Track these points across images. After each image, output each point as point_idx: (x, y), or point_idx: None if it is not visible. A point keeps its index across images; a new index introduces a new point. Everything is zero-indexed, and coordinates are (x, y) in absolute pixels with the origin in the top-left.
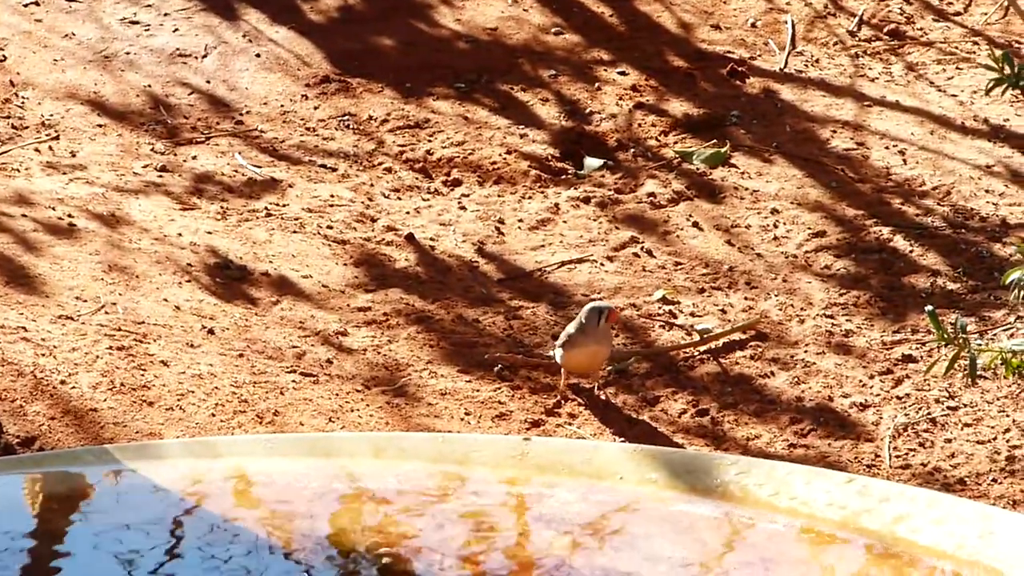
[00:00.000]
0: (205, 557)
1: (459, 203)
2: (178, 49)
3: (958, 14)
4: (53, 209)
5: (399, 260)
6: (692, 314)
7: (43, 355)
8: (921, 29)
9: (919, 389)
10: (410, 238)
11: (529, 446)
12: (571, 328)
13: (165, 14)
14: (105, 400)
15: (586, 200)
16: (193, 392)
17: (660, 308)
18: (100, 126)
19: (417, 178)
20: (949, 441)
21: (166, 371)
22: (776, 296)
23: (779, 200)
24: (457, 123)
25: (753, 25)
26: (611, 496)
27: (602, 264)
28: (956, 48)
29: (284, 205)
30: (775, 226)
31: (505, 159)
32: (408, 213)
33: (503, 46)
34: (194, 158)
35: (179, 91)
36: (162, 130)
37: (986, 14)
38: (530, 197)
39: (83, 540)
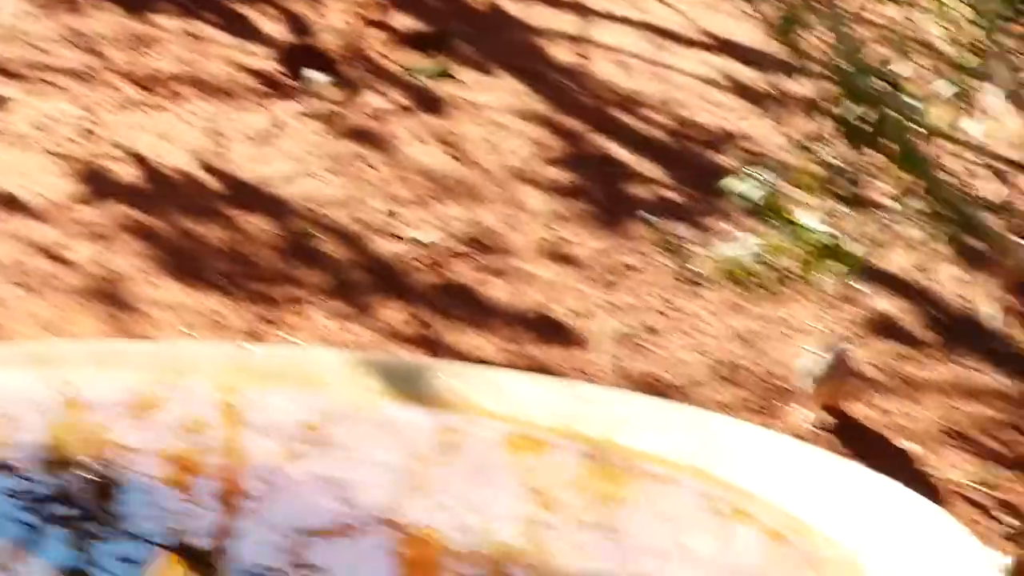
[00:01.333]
0: None
1: (182, 118)
2: None
3: None
4: None
5: (123, 175)
6: (415, 225)
7: None
8: None
9: (638, 298)
10: (134, 153)
11: (246, 353)
12: None
13: None
14: None
15: (310, 114)
16: None
17: (382, 221)
18: None
19: (140, 94)
20: (668, 348)
21: None
22: (497, 207)
23: (502, 113)
24: (182, 39)
25: None
26: (327, 403)
27: (324, 178)
28: None
29: (9, 121)
30: (497, 138)
31: (228, 73)
32: (131, 128)
33: None
34: None
35: None
36: None
37: None
38: (253, 111)
39: None
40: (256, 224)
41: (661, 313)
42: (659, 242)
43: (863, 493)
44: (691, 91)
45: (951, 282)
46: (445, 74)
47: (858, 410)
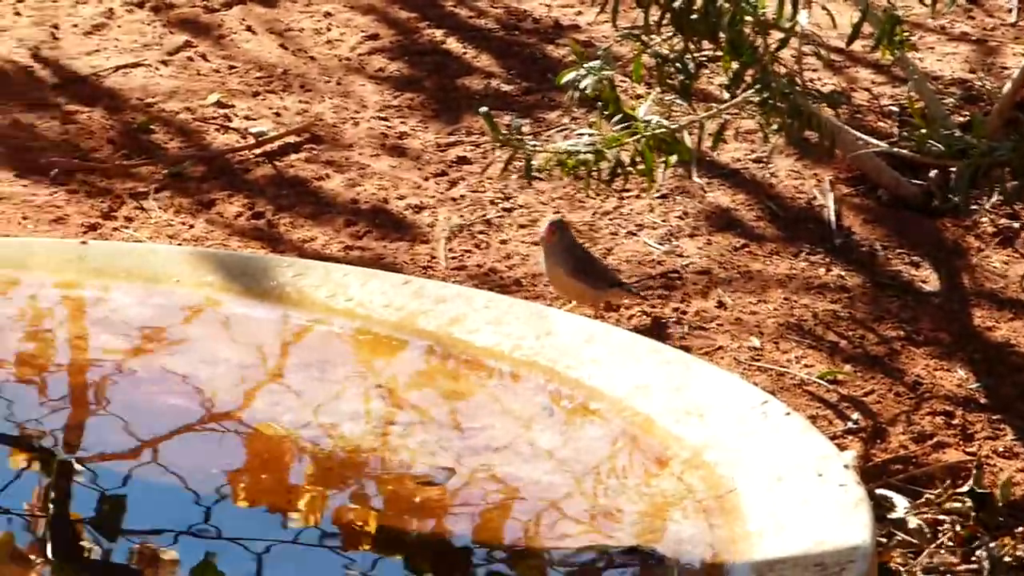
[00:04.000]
0: None
1: (14, 8)
2: None
3: None
4: None
5: None
6: (247, 117)
7: None
8: None
9: (474, 191)
10: None
11: (86, 249)
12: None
13: None
14: None
15: (140, 5)
16: None
17: (215, 112)
18: None
19: None
20: (505, 243)
21: None
22: (330, 99)
23: (332, 3)
24: None
25: None
26: (168, 299)
27: (157, 68)
28: None
29: None
30: (328, 29)
31: None
32: None
33: None
34: None
35: None
36: None
37: None
38: (85, 2)
39: None
40: (91, 116)
41: (497, 206)
42: (494, 135)
43: (708, 389)
44: None
45: (787, 174)
46: None
47: (698, 303)
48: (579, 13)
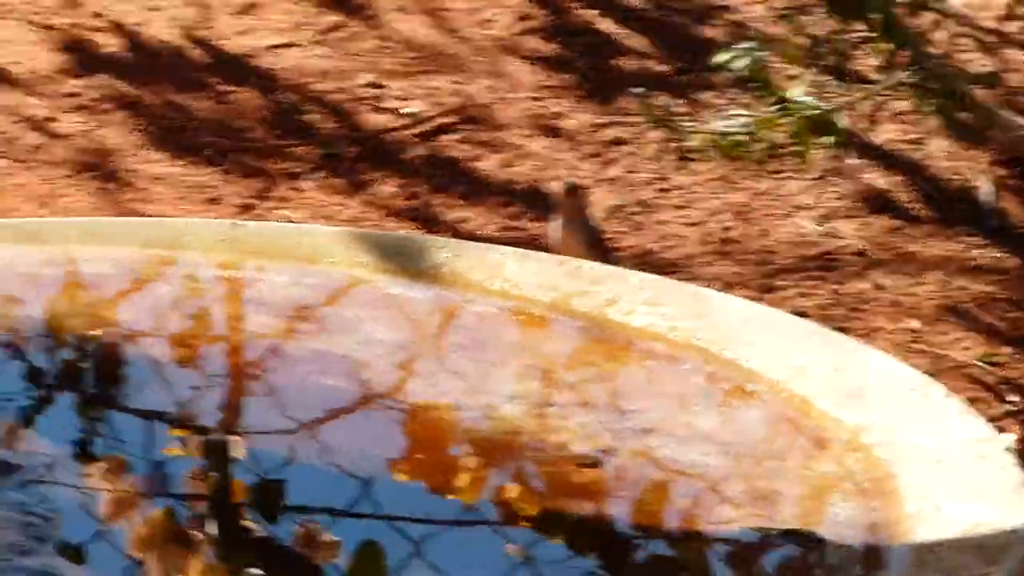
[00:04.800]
0: None
1: None
2: None
3: None
4: None
5: (107, 46)
6: (400, 98)
7: None
8: None
9: (629, 172)
10: (117, 25)
11: (241, 229)
12: None
13: None
14: None
15: None
16: None
17: (368, 92)
18: None
19: None
20: (661, 223)
21: None
22: (484, 79)
23: None
24: None
25: None
26: (323, 280)
27: (309, 48)
28: None
29: None
30: (481, 9)
31: None
32: None
33: None
34: None
35: None
36: None
37: None
38: None
39: None
40: (244, 96)
41: (652, 187)
42: (648, 116)
43: (866, 371)
44: None
45: (942, 156)
46: None
47: (854, 285)
48: None
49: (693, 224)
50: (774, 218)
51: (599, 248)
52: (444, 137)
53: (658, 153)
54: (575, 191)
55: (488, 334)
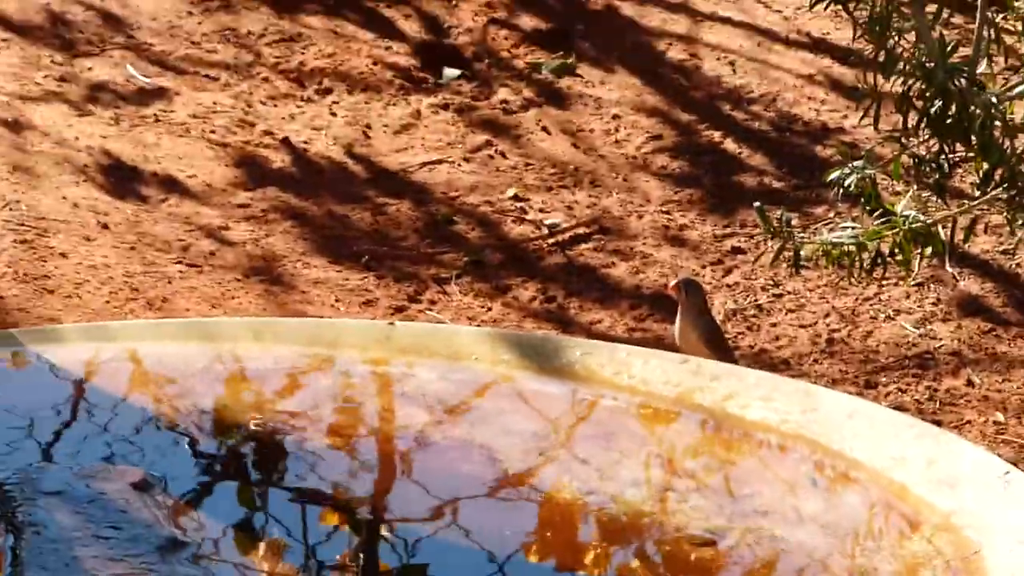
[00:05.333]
0: (100, 429)
1: (330, 109)
2: None
3: None
4: None
5: (276, 161)
6: (541, 210)
7: None
8: None
9: (747, 278)
10: (285, 141)
11: (393, 330)
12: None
13: None
14: (10, 289)
15: (445, 107)
16: (89, 281)
17: (512, 205)
18: (3, 40)
19: (291, 87)
20: (774, 325)
21: (65, 262)
22: (617, 194)
23: (620, 106)
24: (327, 37)
25: None
26: (467, 375)
27: (459, 165)
28: None
29: (171, 112)
30: (616, 130)
31: (371, 69)
32: (284, 119)
33: None
34: (90, 69)
35: (75, 8)
36: (60, 43)
37: None
38: (394, 104)
39: None
40: (398, 208)
41: (767, 292)
42: (765, 227)
43: (957, 460)
44: (792, 87)
45: None
46: (567, 70)
47: (948, 382)
48: (844, 117)
49: (804, 326)
50: (877, 321)
51: (717, 339)
52: (580, 246)
53: (773, 261)
54: (691, 285)
55: (616, 426)
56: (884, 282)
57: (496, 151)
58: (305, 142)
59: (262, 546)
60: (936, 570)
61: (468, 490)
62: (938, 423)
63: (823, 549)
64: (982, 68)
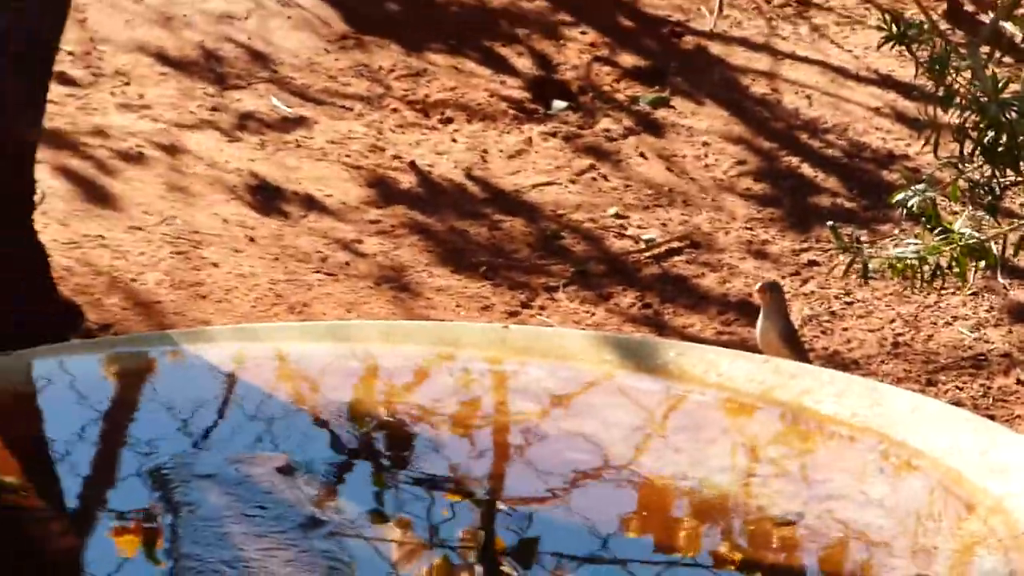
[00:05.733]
0: (248, 419)
1: (451, 137)
2: (225, 12)
3: None
4: (125, 141)
5: (403, 182)
6: (639, 226)
7: (117, 258)
8: None
9: (822, 288)
10: (412, 164)
11: (508, 332)
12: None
13: None
14: (167, 294)
15: (553, 134)
16: (238, 288)
17: (613, 222)
18: (163, 74)
19: (417, 117)
20: (846, 330)
21: (216, 271)
22: (706, 212)
23: (709, 135)
24: (450, 72)
25: None
26: (573, 374)
27: (566, 186)
28: (851, 13)
29: (311, 138)
30: (706, 156)
31: (489, 101)
32: (410, 145)
33: (486, 9)
34: (238, 100)
35: (226, 46)
36: (213, 77)
37: None
38: (508, 132)
39: (148, 407)
40: (512, 224)
41: (840, 300)
42: (838, 243)
43: (1008, 450)
44: (862, 119)
45: None
46: (662, 102)
47: (1000, 380)
48: (908, 145)
49: (872, 330)
50: (937, 326)
51: (793, 339)
52: (673, 258)
53: (845, 273)
54: (774, 287)
55: (705, 418)
56: (943, 291)
57: (599, 174)
58: (429, 165)
59: (392, 523)
60: (990, 547)
61: (574, 475)
62: (991, 417)
63: (889, 530)
64: None
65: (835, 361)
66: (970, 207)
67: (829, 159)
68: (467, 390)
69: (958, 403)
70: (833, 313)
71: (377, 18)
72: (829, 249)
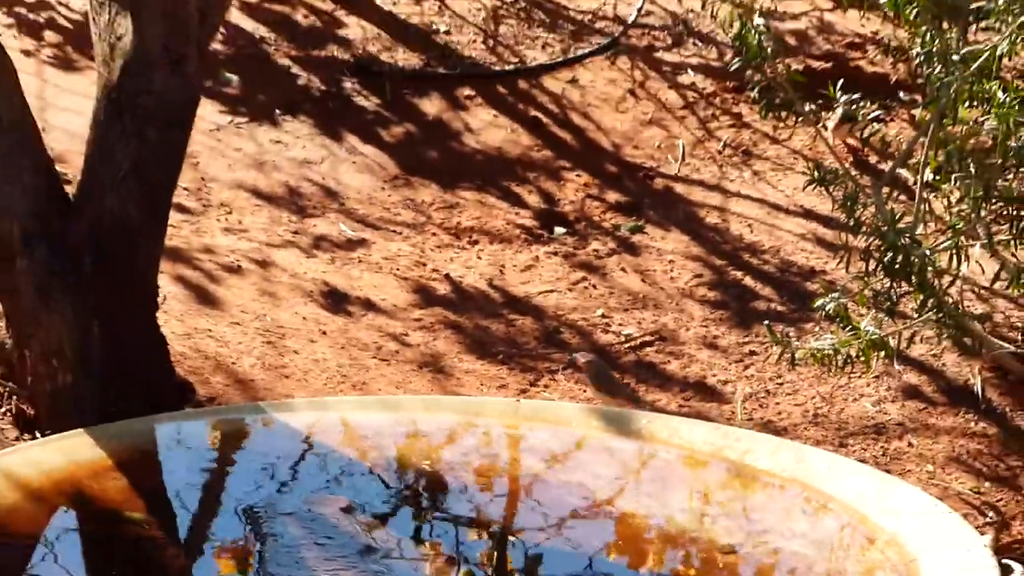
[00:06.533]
0: (319, 470)
1: (477, 255)
2: (305, 158)
3: (786, 140)
4: (227, 256)
5: (440, 290)
6: (620, 324)
7: (221, 347)
8: (763, 149)
9: (759, 372)
10: (447, 276)
11: (520, 404)
12: None
13: (297, 137)
14: (259, 375)
15: (555, 253)
16: (312, 370)
17: (600, 320)
18: (257, 205)
19: (451, 239)
20: (778, 404)
21: (296, 357)
22: (671, 314)
23: (674, 254)
24: (476, 205)
25: (659, 146)
26: (569, 436)
27: (564, 293)
28: (783, 162)
29: (369, 255)
30: (671, 270)
31: (506, 228)
32: (446, 261)
33: (504, 158)
34: (314, 225)
35: (305, 184)
36: (295, 208)
37: (803, 140)
38: (520, 252)
39: (243, 461)
40: (523, 322)
41: (773, 381)
42: (772, 337)
43: (900, 497)
44: (791, 243)
45: (953, 364)
46: (639, 229)
47: (895, 444)
48: (826, 263)
49: (797, 405)
50: (847, 402)
51: None
52: (646, 349)
53: (778, 360)
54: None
55: (669, 471)
56: (852, 375)
57: (589, 284)
58: (460, 277)
59: (428, 548)
60: (886, 571)
61: (568, 514)
62: (888, 471)
63: (810, 557)
64: (919, 230)
65: (769, 428)
66: (873, 311)
67: (766, 273)
68: (487, 448)
69: (863, 461)
70: (767, 391)
71: (421, 164)
72: (765, 342)
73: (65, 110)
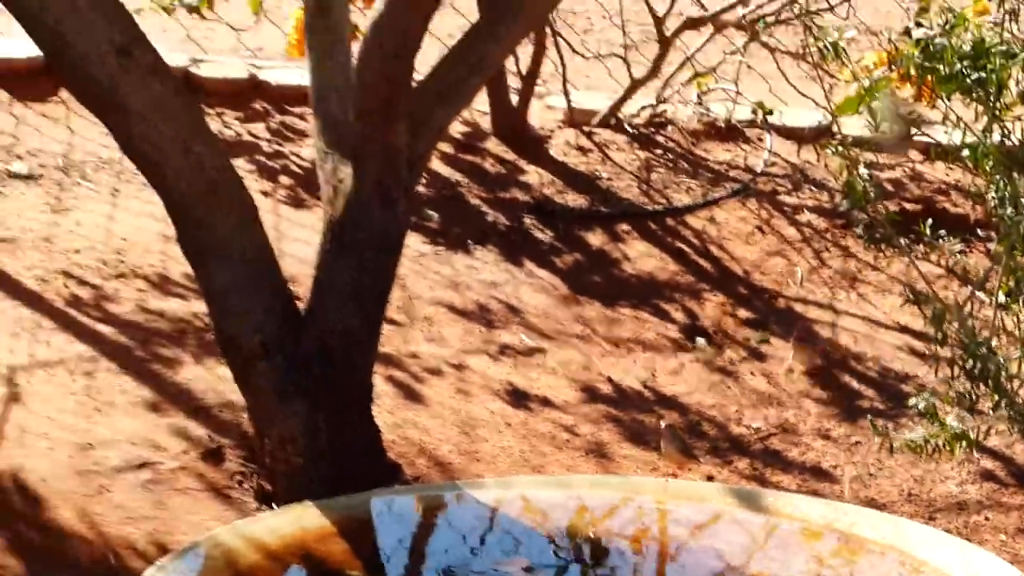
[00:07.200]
0: (504, 536)
1: (633, 361)
2: (492, 280)
3: (885, 267)
4: (429, 361)
5: (604, 389)
6: (750, 419)
7: (424, 435)
8: (866, 275)
9: (863, 458)
10: (609, 379)
11: (668, 483)
12: None
13: (486, 263)
14: (456, 459)
15: (697, 360)
16: (500, 455)
17: (734, 415)
18: (453, 320)
19: (612, 348)
20: (879, 484)
21: (485, 444)
22: (791, 410)
23: (795, 363)
24: (632, 320)
25: (781, 272)
26: (708, 510)
27: (705, 393)
28: (883, 286)
29: (546, 361)
30: (791, 375)
31: (656, 339)
32: (608, 366)
33: (655, 282)
34: (500, 336)
35: (493, 302)
36: (484, 322)
37: (899, 267)
38: (669, 359)
39: (442, 529)
40: (671, 417)
41: (875, 466)
42: (874, 430)
43: (984, 564)
44: (890, 352)
45: (1022, 452)
46: (765, 341)
47: (975, 517)
48: (918, 369)
49: (895, 485)
50: (936, 483)
51: None
52: (771, 439)
53: (879, 448)
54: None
55: (790, 540)
56: (939, 461)
57: (725, 385)
58: (620, 379)
59: None
60: None
61: (708, 574)
62: (969, 540)
63: None
64: (995, 342)
65: (871, 504)
66: (957, 408)
67: (869, 377)
68: (641, 520)
69: (948, 531)
70: (870, 474)
71: (587, 286)
72: (869, 434)
73: (296, 240)
